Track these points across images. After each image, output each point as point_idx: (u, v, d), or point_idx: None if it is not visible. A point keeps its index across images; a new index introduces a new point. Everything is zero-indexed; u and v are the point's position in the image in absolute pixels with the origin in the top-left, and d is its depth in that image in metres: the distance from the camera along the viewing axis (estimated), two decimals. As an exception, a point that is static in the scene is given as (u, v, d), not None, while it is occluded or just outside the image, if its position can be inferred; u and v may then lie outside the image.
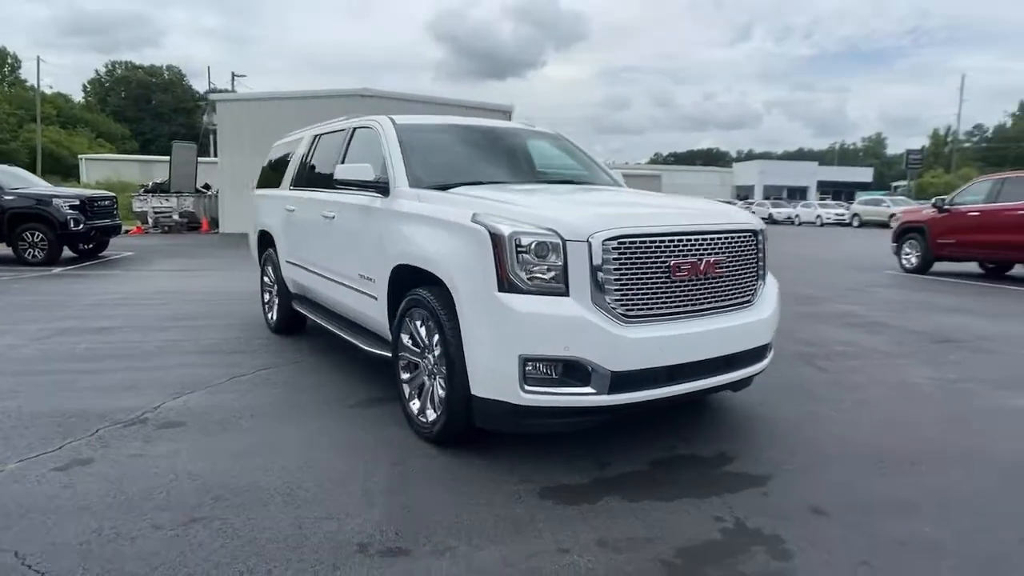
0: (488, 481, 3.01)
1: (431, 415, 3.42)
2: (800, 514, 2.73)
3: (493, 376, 2.97)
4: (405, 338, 3.64)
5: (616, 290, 2.95)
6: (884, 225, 31.36)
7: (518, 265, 2.92)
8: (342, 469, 3.13)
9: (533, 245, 2.92)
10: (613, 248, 2.95)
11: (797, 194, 53.69)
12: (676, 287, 3.10)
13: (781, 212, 40.63)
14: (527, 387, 2.91)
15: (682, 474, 3.13)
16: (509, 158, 4.68)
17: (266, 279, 6.36)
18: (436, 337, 3.32)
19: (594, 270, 2.92)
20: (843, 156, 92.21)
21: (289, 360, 5.12)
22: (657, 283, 3.05)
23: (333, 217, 4.56)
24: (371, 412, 3.95)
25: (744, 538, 2.53)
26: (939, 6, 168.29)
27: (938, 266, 12.18)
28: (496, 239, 2.95)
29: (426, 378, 3.52)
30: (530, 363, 2.90)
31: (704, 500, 2.85)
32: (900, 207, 31.85)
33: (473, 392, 3.07)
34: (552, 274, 2.93)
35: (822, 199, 53.29)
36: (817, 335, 6.18)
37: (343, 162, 4.70)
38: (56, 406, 3.99)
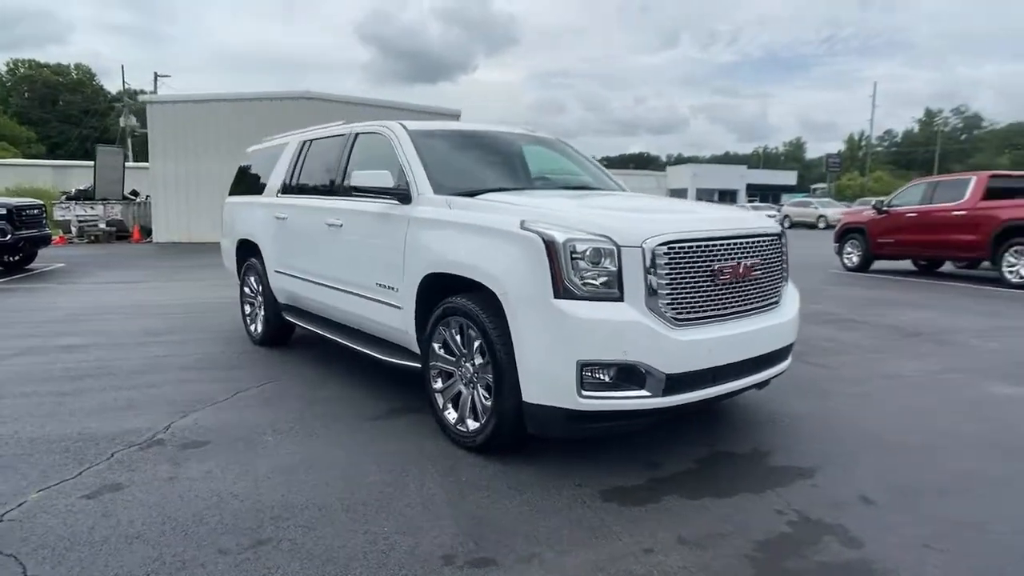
0: (545, 487, 3.02)
1: (472, 424, 3.39)
2: (852, 503, 2.86)
3: (549, 382, 2.98)
4: (437, 347, 3.60)
5: (667, 294, 3.01)
6: (812, 226, 32.97)
7: (573, 271, 2.94)
8: (391, 482, 3.07)
9: (588, 251, 2.95)
10: (664, 253, 3.01)
11: (727, 196, 55.63)
12: (719, 290, 3.19)
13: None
14: (584, 392, 2.93)
15: (729, 471, 3.22)
16: (522, 164, 4.70)
17: (247, 290, 6.14)
18: (478, 345, 3.30)
19: (647, 275, 2.98)
20: (767, 160, 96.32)
21: (289, 373, 4.97)
22: (703, 287, 3.13)
23: (341, 225, 4.45)
24: (397, 424, 3.88)
25: (812, 529, 2.63)
26: (852, 17, 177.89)
27: (877, 264, 12.92)
28: (550, 246, 2.96)
29: (463, 387, 3.50)
30: (587, 368, 2.92)
31: (759, 495, 2.95)
32: (828, 209, 33.62)
33: (525, 399, 3.07)
34: (606, 280, 2.96)
35: (751, 201, 55.46)
36: (799, 333, 6.43)
37: (347, 169, 4.63)
38: (55, 430, 3.75)
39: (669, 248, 3.03)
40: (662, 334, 2.95)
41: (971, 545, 2.52)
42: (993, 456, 3.42)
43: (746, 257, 3.31)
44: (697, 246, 3.12)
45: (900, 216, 12.30)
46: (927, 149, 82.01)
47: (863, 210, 13.96)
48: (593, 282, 2.96)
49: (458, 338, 3.46)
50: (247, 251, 6.05)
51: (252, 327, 6.08)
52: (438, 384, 3.65)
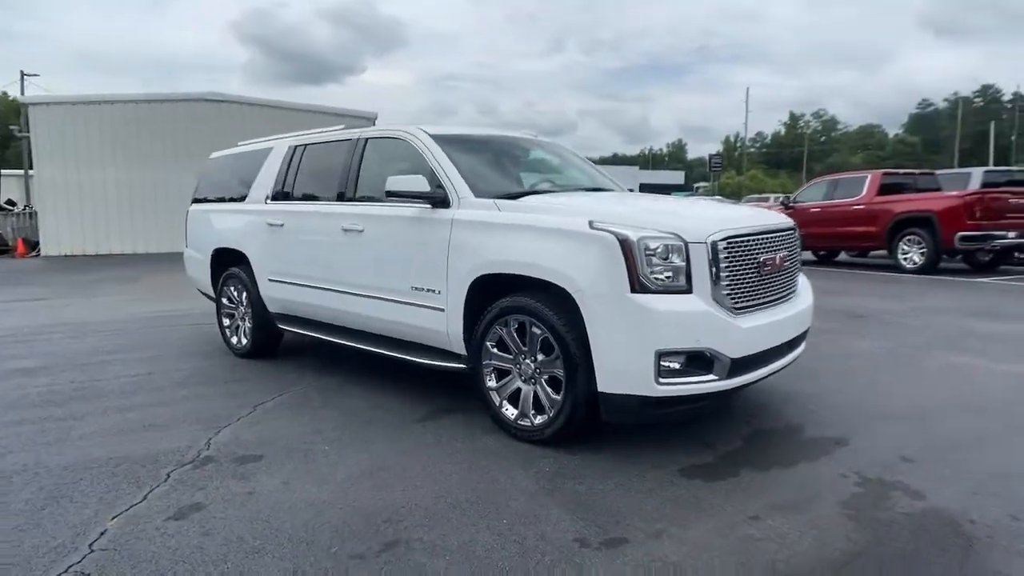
0: (627, 471, 3.20)
1: (539, 419, 3.52)
2: (897, 463, 3.24)
3: (628, 372, 3.17)
4: (491, 346, 3.70)
5: (727, 285, 3.28)
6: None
7: (647, 267, 3.15)
8: (479, 479, 3.15)
9: (659, 248, 3.17)
10: (724, 248, 3.28)
11: (622, 196, 57.90)
12: (763, 280, 3.51)
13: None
14: (660, 379, 3.14)
15: (776, 445, 3.54)
16: (536, 166, 4.85)
17: (225, 301, 5.90)
18: (543, 341, 3.44)
19: (711, 268, 3.24)
20: (653, 161, 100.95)
21: (298, 383, 4.85)
22: (752, 277, 3.43)
23: (361, 230, 4.42)
24: (444, 424, 3.94)
25: (878, 487, 2.97)
26: (722, 28, 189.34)
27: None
28: (625, 244, 3.15)
29: (522, 384, 3.62)
30: (664, 357, 3.14)
31: (815, 462, 3.28)
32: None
33: (601, 389, 3.24)
34: (675, 274, 3.19)
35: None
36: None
37: (359, 173, 4.61)
38: (80, 456, 3.51)
39: (728, 243, 3.30)
40: (727, 322, 3.22)
41: (1015, 490, 2.94)
42: (979, 415, 3.95)
43: (780, 249, 3.65)
44: (748, 240, 3.41)
45: (805, 211, 13.44)
46: (793, 149, 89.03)
47: (771, 207, 15.10)
48: (664, 276, 3.18)
49: (516, 336, 3.57)
50: (227, 261, 5.82)
51: (234, 339, 5.85)
52: (492, 382, 3.74)
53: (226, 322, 5.95)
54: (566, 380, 3.35)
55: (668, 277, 3.18)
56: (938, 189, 12.35)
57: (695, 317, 3.16)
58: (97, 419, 4.14)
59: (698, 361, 3.19)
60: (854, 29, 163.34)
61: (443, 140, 4.34)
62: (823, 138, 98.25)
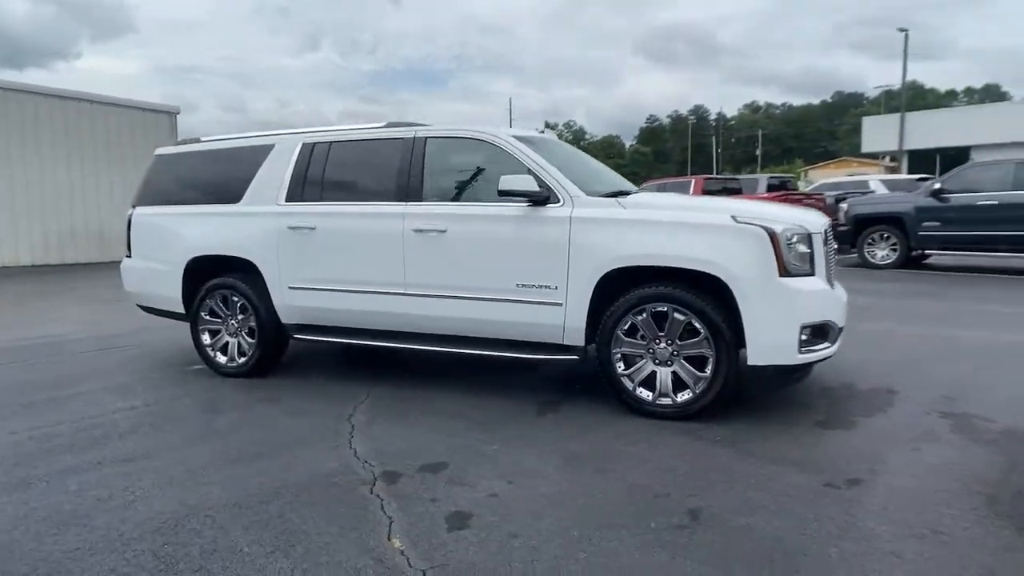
0: (782, 431, 3.73)
1: (683, 396, 3.89)
2: (950, 401, 4.13)
3: (777, 345, 3.70)
4: (622, 334, 3.98)
5: (823, 267, 3.97)
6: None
7: (789, 255, 3.71)
8: (683, 452, 3.44)
9: (795, 238, 3.74)
10: (824, 236, 3.97)
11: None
12: (830, 263, 4.25)
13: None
14: (801, 349, 3.73)
15: (859, 400, 4.25)
16: (593, 166, 5.17)
17: (206, 316, 5.23)
18: (684, 326, 3.82)
19: (823, 253, 3.90)
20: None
21: (352, 392, 4.57)
22: (832, 260, 4.17)
23: (443, 231, 4.35)
24: (571, 414, 4.10)
25: (959, 419, 3.82)
26: (477, 39, 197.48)
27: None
28: (773, 236, 3.68)
29: (655, 366, 3.96)
30: (804, 330, 3.73)
31: (897, 408, 4.10)
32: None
33: (751, 362, 3.73)
34: (803, 259, 3.79)
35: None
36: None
37: (423, 173, 4.53)
38: (223, 496, 3.09)
39: (825, 233, 4.00)
40: (837, 297, 3.92)
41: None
42: (977, 361, 5.13)
43: (832, 240, 4.45)
44: (827, 231, 4.14)
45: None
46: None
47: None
48: (795, 262, 3.76)
49: (653, 322, 3.91)
50: (212, 270, 5.18)
51: (220, 357, 5.22)
52: (624, 368, 4.02)
53: (206, 339, 5.28)
54: (716, 359, 3.77)
55: (800, 262, 3.77)
56: (740, 192, 14.75)
57: (822, 295, 3.79)
58: (195, 455, 3.58)
59: (821, 332, 3.83)
60: (586, 49, 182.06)
61: (527, 141, 4.47)
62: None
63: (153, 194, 5.60)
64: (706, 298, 3.78)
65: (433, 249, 4.41)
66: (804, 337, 3.74)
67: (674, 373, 3.92)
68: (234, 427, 4.03)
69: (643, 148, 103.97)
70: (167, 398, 4.68)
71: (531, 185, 4.07)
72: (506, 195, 4.10)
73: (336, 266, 4.73)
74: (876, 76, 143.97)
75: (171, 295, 5.37)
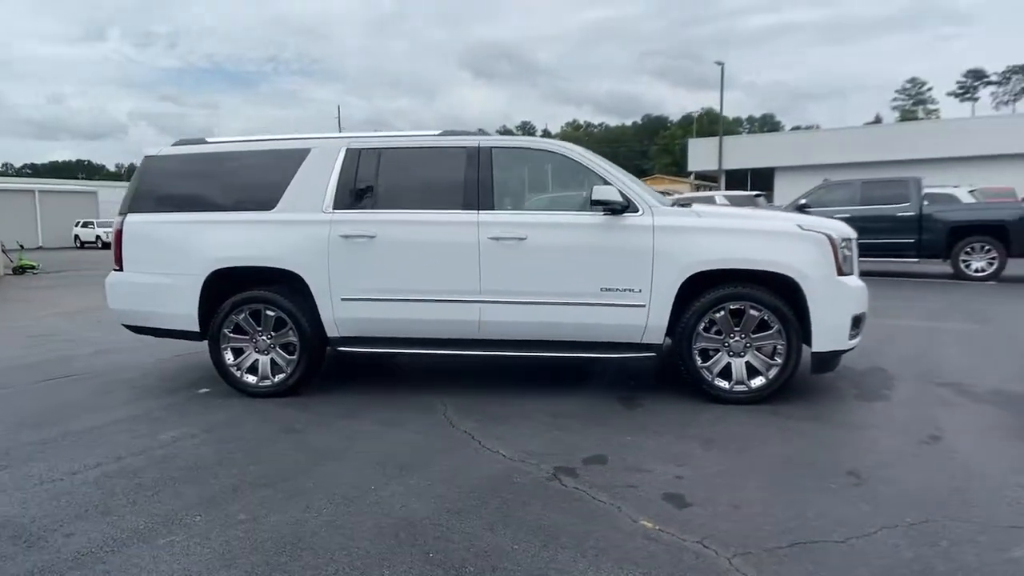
0: (843, 407, 4.39)
1: (756, 382, 4.41)
2: (962, 375, 5.09)
3: (837, 334, 4.36)
4: (702, 329, 4.43)
5: (857, 267, 4.73)
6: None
7: (842, 258, 4.40)
8: (773, 432, 3.95)
9: (844, 243, 4.44)
10: (855, 242, 4.73)
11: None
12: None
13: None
14: (849, 336, 4.44)
15: (890, 377, 5.07)
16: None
17: (229, 332, 4.84)
18: (759, 320, 4.36)
19: (856, 255, 4.66)
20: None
21: (437, 404, 4.55)
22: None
23: (523, 238, 4.49)
24: (654, 406, 4.45)
25: (976, 404, 4.71)
26: (292, 41, 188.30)
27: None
28: (832, 241, 4.34)
29: (729, 357, 4.46)
30: (854, 320, 4.43)
31: (903, 381, 4.96)
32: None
33: (815, 350, 4.36)
34: (848, 260, 4.50)
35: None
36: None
37: (492, 182, 4.65)
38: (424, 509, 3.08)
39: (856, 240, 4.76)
40: (867, 292, 4.69)
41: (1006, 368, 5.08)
42: (972, 349, 6.22)
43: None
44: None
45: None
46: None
47: None
48: (846, 263, 4.45)
49: (730, 318, 4.40)
50: (236, 283, 4.81)
51: (249, 377, 4.85)
52: (702, 361, 4.46)
53: (230, 358, 4.88)
54: (787, 348, 4.35)
55: (847, 263, 4.47)
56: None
57: (862, 290, 4.53)
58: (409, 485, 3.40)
59: (859, 321, 4.56)
60: (409, 59, 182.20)
61: (592, 153, 4.76)
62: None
63: (149, 200, 5.04)
64: (777, 295, 4.35)
65: (511, 256, 4.54)
66: (852, 326, 4.44)
67: (748, 363, 4.43)
68: (344, 445, 3.86)
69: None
70: (220, 423, 4.29)
71: (615, 195, 4.39)
72: (598, 204, 4.37)
73: (400, 275, 4.65)
74: (674, 101, 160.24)
75: (183, 312, 4.88)
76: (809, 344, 4.38)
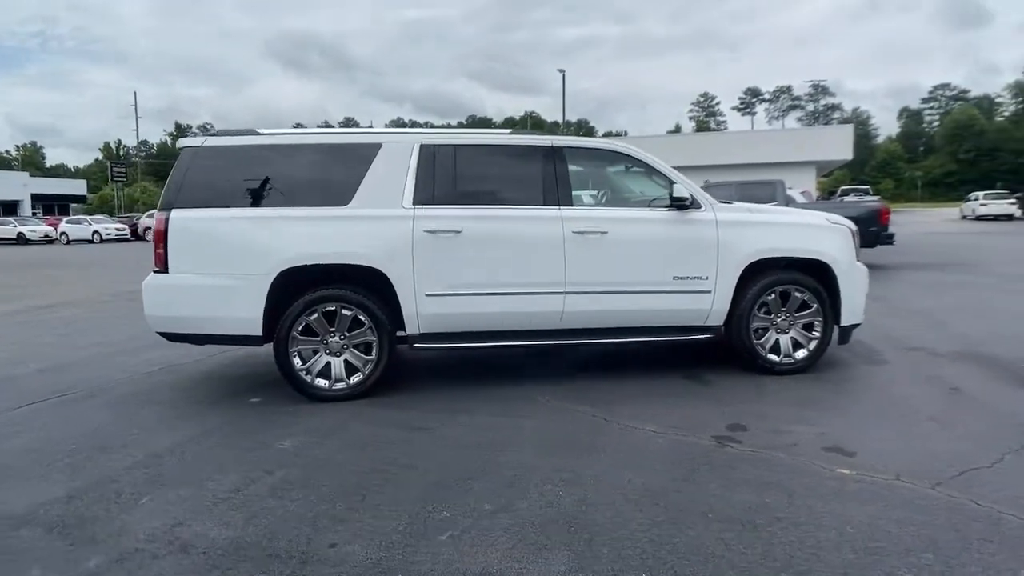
0: (864, 371, 5.25)
1: (800, 354, 5.12)
2: (974, 341, 6.21)
3: (856, 310, 5.19)
4: (757, 310, 5.06)
5: (852, 255, 5.65)
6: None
7: (856, 246, 5.26)
8: (845, 392, 4.68)
9: (855, 234, 5.31)
10: (854, 233, 5.64)
11: (8, 209, 46.60)
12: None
13: (33, 231, 35.48)
14: (863, 312, 5.32)
15: (900, 349, 6.03)
16: None
17: (299, 335, 4.60)
18: (801, 301, 5.08)
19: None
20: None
21: (515, 393, 4.69)
22: (841, 251, 5.88)
23: (605, 232, 4.79)
24: (718, 380, 4.98)
25: (953, 362, 5.85)
26: (67, 18, 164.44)
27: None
28: (853, 232, 5.18)
29: (777, 334, 5.14)
30: (865, 297, 5.32)
31: (918, 351, 5.98)
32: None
33: (843, 323, 5.18)
34: (858, 248, 5.37)
35: (34, 213, 48.38)
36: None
37: (569, 179, 4.92)
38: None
39: (851, 230, 5.67)
40: (864, 275, 5.62)
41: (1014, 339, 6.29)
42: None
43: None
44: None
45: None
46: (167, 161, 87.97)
47: None
48: (858, 250, 5.32)
49: (780, 300, 5.07)
50: (304, 282, 4.58)
51: (321, 381, 4.64)
52: (756, 340, 5.08)
53: (298, 363, 4.63)
54: (824, 323, 5.11)
55: (858, 250, 5.34)
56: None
57: (867, 273, 5.42)
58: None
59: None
60: (210, 46, 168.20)
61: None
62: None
63: (199, 194, 4.58)
64: (816, 278, 5.09)
65: (594, 249, 4.82)
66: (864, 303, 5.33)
67: (793, 339, 5.14)
68: (503, 436, 3.92)
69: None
70: (324, 428, 4.10)
71: (685, 192, 4.87)
72: (678, 201, 4.82)
73: (487, 270, 4.73)
74: (492, 103, 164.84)
75: (245, 315, 4.53)
76: (838, 321, 5.18)
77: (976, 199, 37.52)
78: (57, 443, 3.91)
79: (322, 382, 4.66)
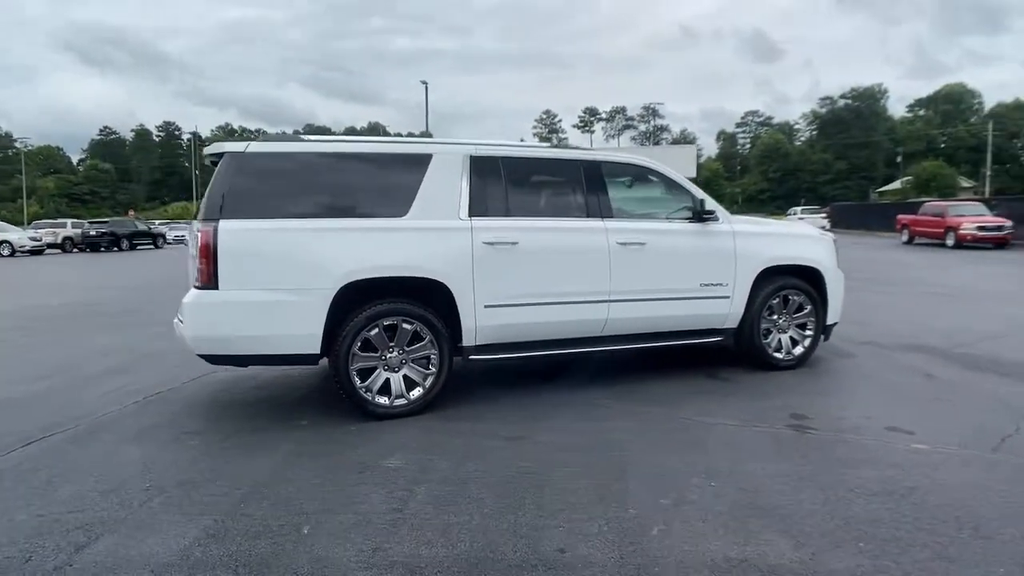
0: (868, 369, 5.99)
1: (798, 350, 5.74)
2: (888, 351, 7.10)
3: (838, 309, 5.94)
4: (765, 312, 5.61)
5: (821, 262, 6.43)
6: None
7: (837, 254, 6.01)
8: (873, 376, 5.34)
9: (835, 243, 6.06)
10: (821, 243, 6.42)
11: None
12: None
13: None
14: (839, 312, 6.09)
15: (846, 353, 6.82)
16: None
17: (359, 350, 4.43)
18: (798, 303, 5.71)
19: (827, 253, 6.35)
20: None
21: (582, 396, 4.85)
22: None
23: (644, 243, 5.09)
24: (738, 377, 5.46)
25: (905, 352, 6.76)
26: None
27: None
28: (835, 242, 5.92)
29: (779, 334, 5.73)
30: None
31: (883, 357, 6.81)
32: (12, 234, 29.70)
33: (828, 322, 5.89)
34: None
35: None
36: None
37: (608, 191, 5.19)
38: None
39: (818, 241, 6.45)
40: (831, 280, 6.40)
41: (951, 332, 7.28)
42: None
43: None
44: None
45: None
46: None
47: None
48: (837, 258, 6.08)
49: (783, 302, 5.67)
50: (362, 297, 4.43)
51: (382, 398, 4.50)
52: (765, 339, 5.63)
53: (357, 381, 4.45)
54: (816, 324, 5.78)
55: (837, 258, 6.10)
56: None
57: (843, 278, 6.20)
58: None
59: (836, 301, 6.25)
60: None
61: None
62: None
63: (249, 203, 4.25)
64: (809, 280, 5.75)
65: (634, 259, 5.10)
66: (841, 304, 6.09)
67: (791, 337, 5.75)
68: (592, 441, 4.05)
69: (103, 164, 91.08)
70: (420, 442, 4.01)
71: (713, 206, 5.33)
72: (707, 214, 5.24)
73: (541, 280, 4.83)
74: (326, 112, 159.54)
75: (304, 332, 4.29)
76: (825, 320, 5.88)
77: (795, 213, 42.79)
78: (133, 482, 3.48)
79: (383, 399, 4.51)
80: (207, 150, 4.61)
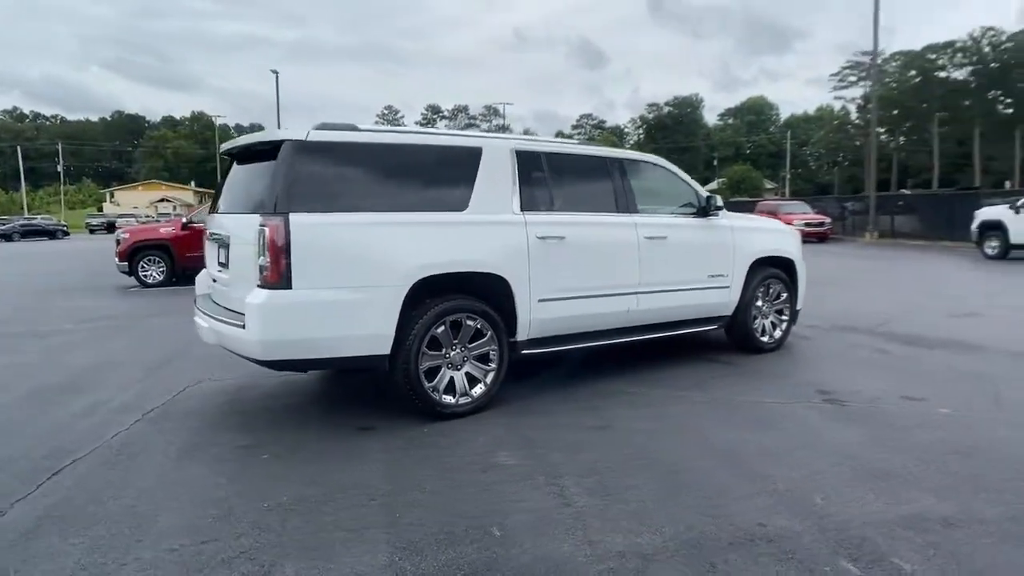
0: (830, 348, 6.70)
1: (777, 333, 6.35)
2: (840, 332, 7.89)
3: (803, 297, 6.64)
4: (755, 300, 6.15)
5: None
6: None
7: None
8: (852, 359, 6.02)
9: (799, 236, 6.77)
10: (778, 237, 7.12)
11: None
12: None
13: None
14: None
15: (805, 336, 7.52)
16: None
17: (428, 349, 4.27)
18: (778, 289, 6.32)
19: (784, 246, 7.06)
20: None
21: (608, 388, 5.03)
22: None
23: (665, 237, 5.37)
24: (739, 362, 5.94)
25: (861, 334, 7.60)
26: None
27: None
28: (799, 235, 6.62)
29: (763, 320, 6.30)
30: (802, 286, 6.81)
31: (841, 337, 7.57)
32: None
33: (798, 308, 6.57)
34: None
35: None
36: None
37: (633, 189, 5.42)
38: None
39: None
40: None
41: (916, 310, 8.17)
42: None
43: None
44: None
45: (202, 231, 13.90)
46: None
47: (158, 226, 14.24)
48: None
49: (769, 290, 6.24)
50: (427, 293, 4.28)
51: (449, 397, 4.38)
52: (752, 324, 6.17)
53: (427, 383, 4.30)
54: (791, 308, 6.43)
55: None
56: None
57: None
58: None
59: (792, 287, 6.97)
60: None
61: None
62: None
63: (316, 195, 3.92)
64: (786, 271, 6.38)
65: (658, 252, 5.37)
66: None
67: (772, 322, 6.35)
68: (661, 427, 4.25)
69: None
70: (504, 439, 3.97)
71: (720, 202, 5.76)
72: (716, 209, 5.64)
73: (584, 273, 4.94)
74: (133, 98, 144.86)
75: (376, 332, 4.06)
76: (795, 305, 6.55)
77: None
78: (238, 503, 3.12)
79: (448, 398, 4.39)
80: (266, 135, 4.22)
